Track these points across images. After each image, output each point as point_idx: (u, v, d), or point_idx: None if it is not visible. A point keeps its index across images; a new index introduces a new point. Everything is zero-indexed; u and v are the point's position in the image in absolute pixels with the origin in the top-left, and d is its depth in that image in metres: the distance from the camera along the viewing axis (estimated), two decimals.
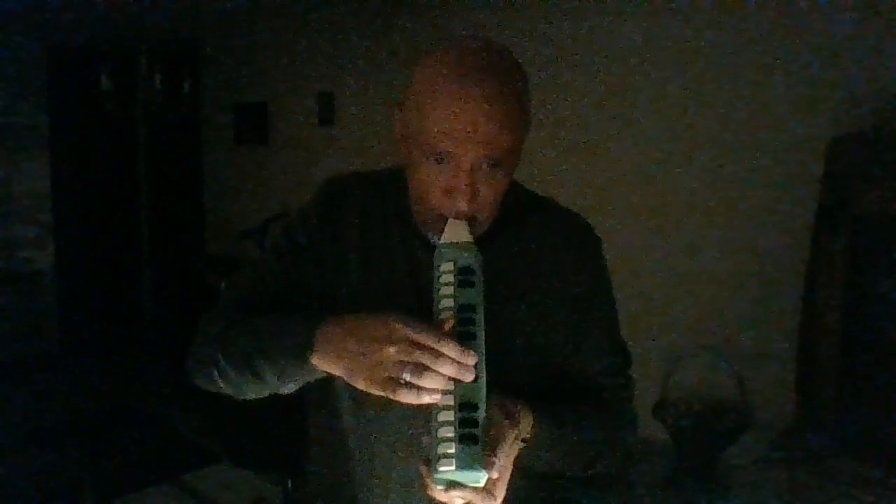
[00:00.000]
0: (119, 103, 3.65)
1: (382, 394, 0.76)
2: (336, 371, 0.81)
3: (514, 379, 0.86)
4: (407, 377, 0.74)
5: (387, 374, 0.75)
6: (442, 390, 0.74)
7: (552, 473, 1.00)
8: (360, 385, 0.78)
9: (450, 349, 0.74)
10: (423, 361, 0.73)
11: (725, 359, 2.05)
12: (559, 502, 1.06)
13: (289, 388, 0.90)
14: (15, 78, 4.48)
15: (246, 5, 4.06)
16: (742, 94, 2.42)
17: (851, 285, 1.90)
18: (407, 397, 0.74)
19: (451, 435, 0.72)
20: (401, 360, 0.74)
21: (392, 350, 0.75)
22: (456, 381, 0.74)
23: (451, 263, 0.81)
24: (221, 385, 0.94)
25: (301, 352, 0.83)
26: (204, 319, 0.99)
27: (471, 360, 0.74)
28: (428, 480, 0.74)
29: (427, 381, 0.73)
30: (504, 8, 3.07)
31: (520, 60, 0.89)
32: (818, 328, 1.94)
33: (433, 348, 0.74)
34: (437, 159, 0.84)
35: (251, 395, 0.94)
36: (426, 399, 0.74)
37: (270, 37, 4.29)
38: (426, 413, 0.76)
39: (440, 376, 0.73)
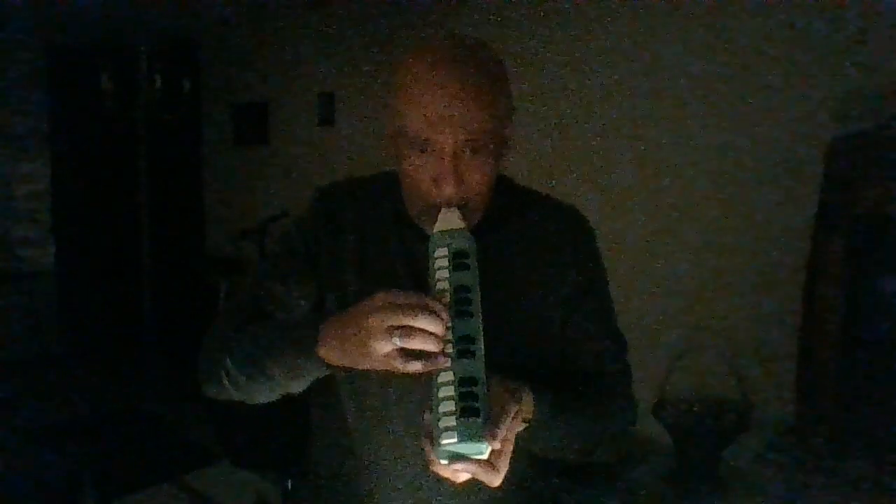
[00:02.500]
0: (119, 103, 3.65)
1: (388, 368, 0.77)
2: (342, 360, 0.82)
3: (512, 368, 0.87)
4: (397, 342, 0.75)
5: (382, 349, 0.76)
6: (442, 368, 0.75)
7: (553, 459, 1.01)
8: (365, 365, 0.79)
9: (420, 299, 0.76)
10: (404, 322, 0.75)
11: (725, 358, 2.05)
12: (560, 502, 1.06)
13: (298, 386, 0.92)
14: (15, 78, 4.48)
15: (246, 5, 4.06)
16: (742, 93, 2.42)
17: (851, 285, 1.90)
18: (411, 367, 0.75)
19: (452, 409, 0.72)
20: (388, 328, 0.75)
21: (377, 319, 0.76)
22: (455, 357, 0.75)
23: (445, 249, 0.83)
24: (232, 391, 0.96)
25: (308, 346, 0.85)
26: (209, 332, 1.01)
27: (441, 308, 0.76)
28: (431, 456, 0.74)
29: (417, 342, 0.74)
30: (503, 8, 3.06)
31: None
32: (818, 328, 1.94)
33: (411, 306, 0.75)
34: (420, 149, 0.87)
35: (261, 399, 0.96)
36: (429, 366, 0.75)
37: (270, 37, 4.29)
38: (427, 409, 0.77)
39: (429, 336, 0.74)
